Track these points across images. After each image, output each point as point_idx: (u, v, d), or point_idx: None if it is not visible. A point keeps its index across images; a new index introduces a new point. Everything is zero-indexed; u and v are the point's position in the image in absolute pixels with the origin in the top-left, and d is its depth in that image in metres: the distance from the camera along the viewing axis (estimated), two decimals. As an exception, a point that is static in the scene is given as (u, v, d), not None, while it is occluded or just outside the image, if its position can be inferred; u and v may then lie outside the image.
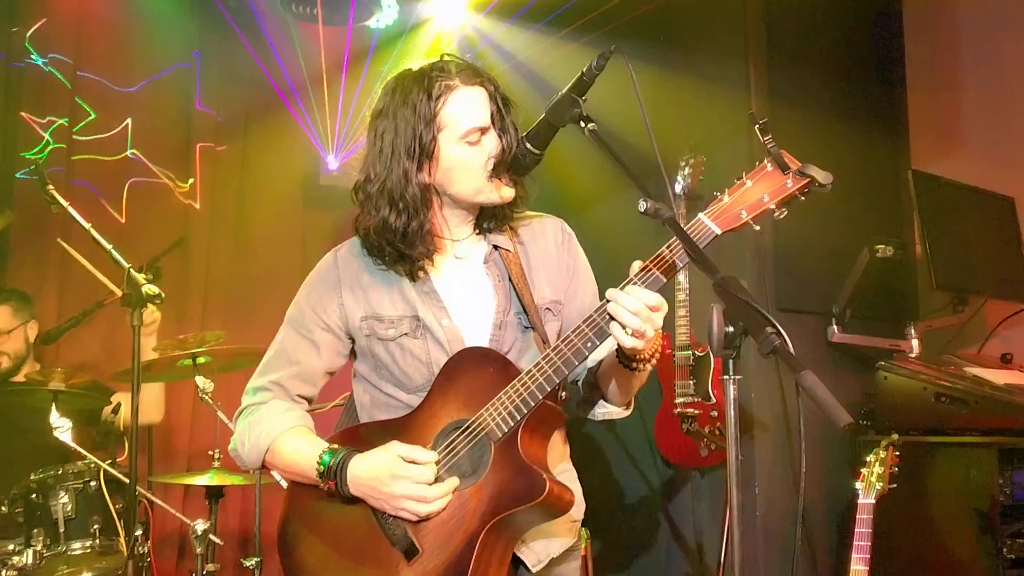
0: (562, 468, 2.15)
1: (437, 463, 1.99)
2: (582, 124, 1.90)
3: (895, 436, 3.34)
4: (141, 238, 4.79)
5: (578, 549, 2.19)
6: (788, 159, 1.77)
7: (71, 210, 3.40)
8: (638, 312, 1.82)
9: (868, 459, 3.30)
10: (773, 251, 3.94)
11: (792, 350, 1.48)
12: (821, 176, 1.73)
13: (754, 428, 3.86)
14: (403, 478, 1.94)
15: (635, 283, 1.86)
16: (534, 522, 2.01)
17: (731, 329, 1.59)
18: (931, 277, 3.82)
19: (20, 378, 4.07)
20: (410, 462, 1.96)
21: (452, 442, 2.00)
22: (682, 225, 1.79)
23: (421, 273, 2.12)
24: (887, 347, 4.07)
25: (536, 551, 2.07)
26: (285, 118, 5.24)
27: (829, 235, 3.96)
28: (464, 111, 2.06)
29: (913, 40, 4.54)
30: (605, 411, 2.19)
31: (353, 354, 2.22)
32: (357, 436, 2.10)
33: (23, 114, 4.70)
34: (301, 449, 2.08)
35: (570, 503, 1.99)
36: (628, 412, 2.20)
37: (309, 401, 2.23)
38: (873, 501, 3.21)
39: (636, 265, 1.89)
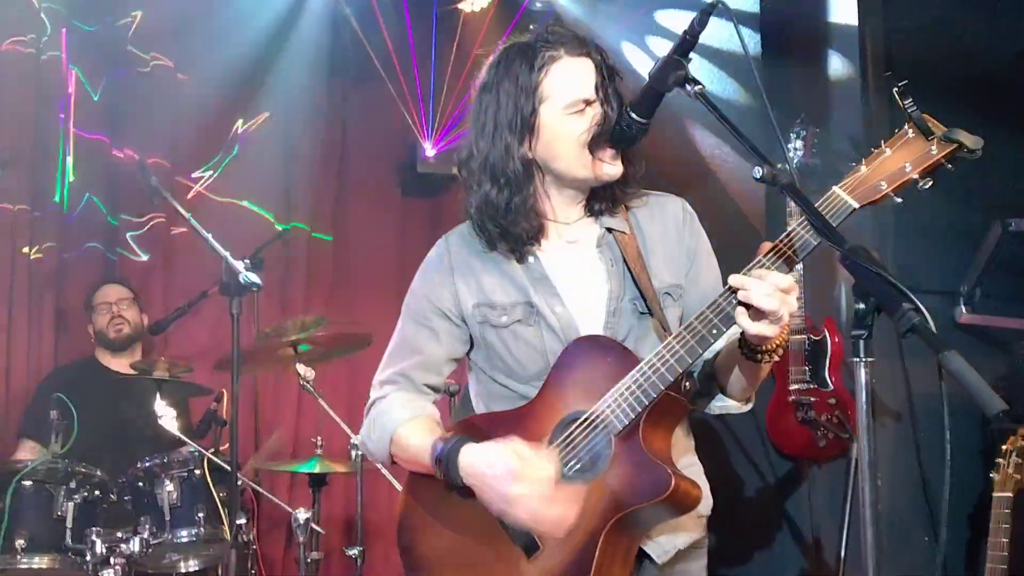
0: (688, 462, 2.04)
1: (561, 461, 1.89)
2: (688, 87, 1.77)
3: (1034, 424, 3.10)
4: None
5: (704, 546, 2.07)
6: (932, 124, 1.63)
7: (173, 201, 3.45)
8: (771, 295, 1.69)
9: (1004, 449, 3.08)
10: (894, 226, 3.71)
11: (934, 328, 1.31)
12: (970, 141, 1.58)
13: (876, 416, 3.64)
14: (523, 479, 1.82)
15: (764, 265, 1.74)
16: (659, 519, 1.91)
17: (863, 306, 1.43)
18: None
19: (127, 368, 4.14)
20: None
21: (570, 435, 1.90)
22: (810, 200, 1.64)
23: (531, 258, 2.05)
24: (1023, 328, 3.79)
25: (661, 544, 1.97)
26: (382, 104, 5.21)
27: (955, 208, 3.70)
28: (568, 82, 1.97)
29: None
30: (723, 405, 2.06)
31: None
32: (473, 427, 2.03)
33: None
34: (419, 438, 2.01)
35: (697, 499, 1.88)
36: (748, 407, 2.06)
37: (436, 390, 2.16)
38: (1011, 494, 3.01)
39: (764, 246, 1.76)
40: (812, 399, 3.68)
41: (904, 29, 3.82)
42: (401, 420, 2.05)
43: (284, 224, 4.92)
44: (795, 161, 3.68)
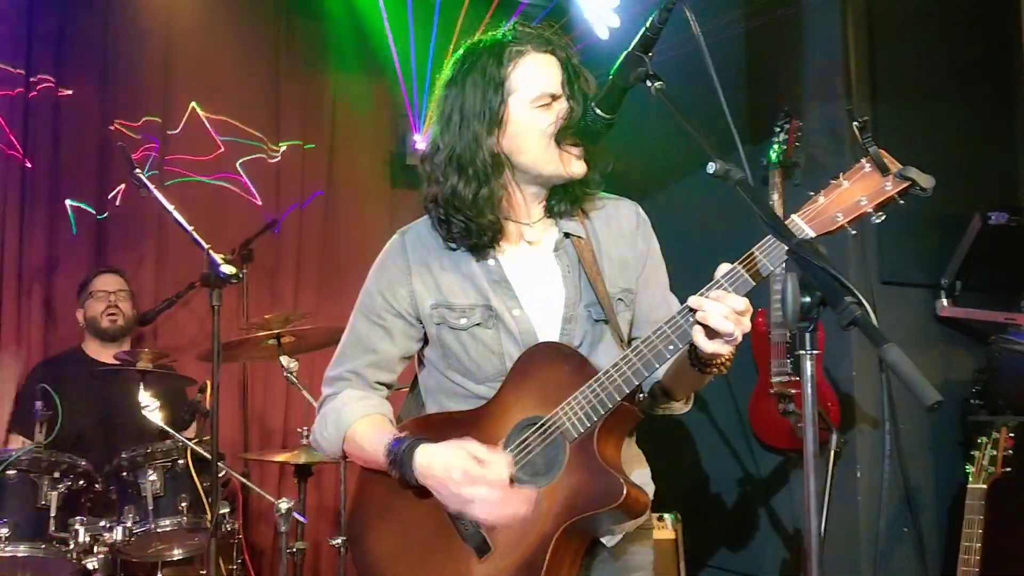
0: (631, 454, 2.08)
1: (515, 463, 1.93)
2: (648, 83, 1.80)
3: (1010, 416, 3.13)
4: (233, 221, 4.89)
5: (651, 530, 2.14)
6: (888, 160, 1.68)
7: (156, 193, 3.46)
8: (727, 317, 1.73)
9: (980, 441, 3.13)
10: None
11: (875, 321, 1.34)
12: (923, 180, 1.63)
13: (855, 409, 3.66)
14: (478, 481, 1.86)
15: (723, 286, 1.77)
16: (609, 524, 1.96)
17: (808, 299, 1.46)
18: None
19: (113, 359, 4.17)
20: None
21: (526, 439, 1.93)
22: (772, 205, 1.67)
23: (491, 260, 2.06)
24: (1001, 321, 3.80)
25: (610, 528, 2.01)
26: (372, 95, 5.22)
27: (936, 202, 3.69)
28: (534, 76, 2.01)
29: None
30: (667, 406, 2.11)
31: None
32: (429, 426, 2.06)
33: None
34: (372, 437, 2.03)
35: (646, 505, 1.94)
36: (688, 408, 2.13)
37: (389, 387, 2.19)
38: (985, 486, 3.07)
39: (723, 268, 1.79)
40: (793, 391, 3.69)
41: (886, 22, 3.83)
42: (354, 417, 2.07)
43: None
44: (775, 155, 3.69)
